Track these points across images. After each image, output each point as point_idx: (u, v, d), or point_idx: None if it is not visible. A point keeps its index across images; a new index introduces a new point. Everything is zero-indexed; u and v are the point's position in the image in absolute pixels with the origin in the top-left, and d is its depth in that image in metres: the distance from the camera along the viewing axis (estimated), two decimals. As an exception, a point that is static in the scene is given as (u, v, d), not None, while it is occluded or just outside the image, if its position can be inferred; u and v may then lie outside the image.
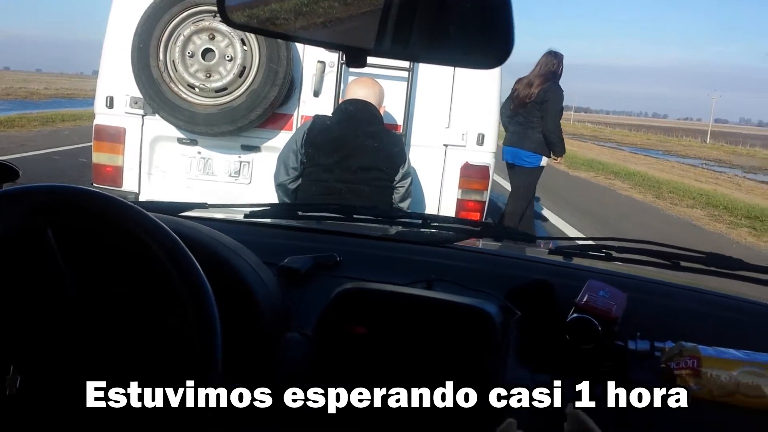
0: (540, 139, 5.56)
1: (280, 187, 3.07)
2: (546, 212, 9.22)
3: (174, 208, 1.42)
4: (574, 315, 1.05)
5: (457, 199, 3.73)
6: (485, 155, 3.73)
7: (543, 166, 5.73)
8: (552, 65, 5.54)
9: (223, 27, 3.28)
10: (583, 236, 6.38)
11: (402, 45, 0.71)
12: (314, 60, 3.61)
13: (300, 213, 1.60)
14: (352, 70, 3.57)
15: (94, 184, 3.74)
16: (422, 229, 1.54)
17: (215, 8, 3.24)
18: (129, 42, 3.35)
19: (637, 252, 1.38)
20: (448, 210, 3.72)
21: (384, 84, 3.25)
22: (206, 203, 1.60)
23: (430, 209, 3.72)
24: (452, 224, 1.53)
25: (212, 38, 3.32)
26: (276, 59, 3.31)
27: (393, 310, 0.99)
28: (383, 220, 1.62)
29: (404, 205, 3.07)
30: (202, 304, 0.80)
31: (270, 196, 3.25)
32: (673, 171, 19.27)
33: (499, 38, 0.68)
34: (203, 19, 3.31)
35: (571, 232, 7.78)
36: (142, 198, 3.72)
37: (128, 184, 3.74)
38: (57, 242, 0.84)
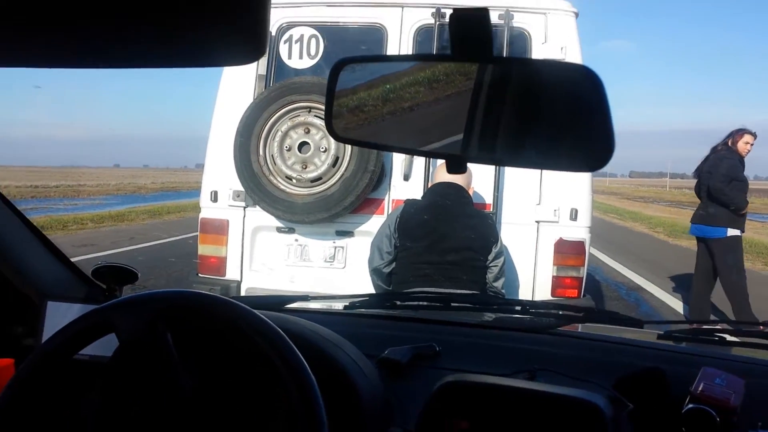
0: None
1: (374, 272, 3.12)
2: (647, 284, 8.78)
3: (277, 302, 1.48)
4: (690, 406, 1.01)
5: (553, 276, 3.64)
6: (579, 230, 3.66)
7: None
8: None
9: (318, 121, 3.48)
10: (692, 319, 6.02)
11: (489, 151, 0.74)
12: None
13: (398, 302, 1.62)
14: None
15: (200, 274, 3.94)
16: (522, 315, 1.53)
17: (310, 104, 3.46)
18: (231, 138, 3.60)
19: (752, 335, 1.31)
20: (544, 287, 3.64)
21: (472, 165, 3.30)
22: (307, 296, 1.66)
23: (525, 287, 3.65)
24: (553, 309, 1.50)
25: (307, 132, 3.52)
26: (367, 150, 3.45)
27: (496, 403, 0.98)
28: (481, 306, 1.62)
29: (498, 284, 3.04)
30: (310, 401, 0.82)
31: (363, 279, 3.31)
32: (760, 231, 17.93)
33: (599, 144, 0.68)
34: (299, 115, 3.53)
35: (675, 304, 7.35)
36: (244, 286, 3.87)
37: (231, 273, 3.91)
38: (174, 342, 0.90)
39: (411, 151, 0.81)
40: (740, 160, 5.50)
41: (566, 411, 0.95)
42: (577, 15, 3.71)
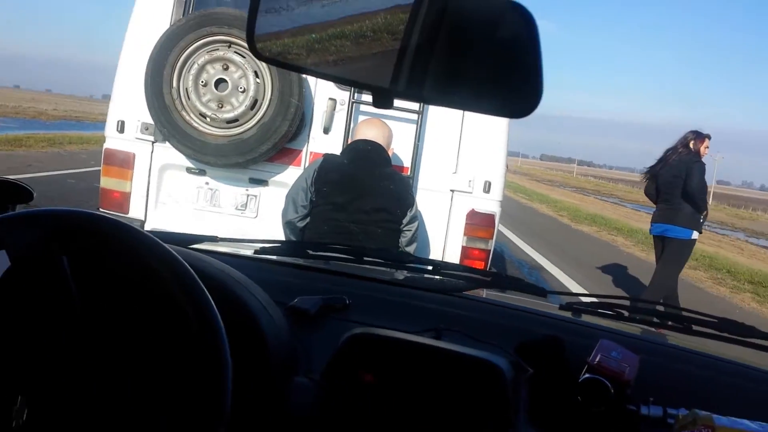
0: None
1: (288, 224, 3.05)
2: (548, 264, 9.20)
3: (185, 240, 1.41)
4: (587, 375, 1.03)
5: (462, 246, 3.70)
6: (491, 203, 3.72)
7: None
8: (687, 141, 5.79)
9: (237, 58, 3.31)
10: (594, 293, 6.36)
11: (418, 87, 0.71)
12: (325, 97, 3.64)
13: (310, 252, 1.58)
14: (362, 109, 3.60)
15: (101, 209, 3.72)
16: (432, 276, 1.52)
17: (230, 38, 3.29)
18: (143, 67, 3.37)
19: (649, 313, 1.36)
20: (453, 256, 3.69)
21: (393, 125, 3.27)
22: (217, 236, 1.59)
23: (435, 255, 3.69)
24: (462, 272, 1.51)
25: (226, 69, 3.34)
26: (288, 93, 3.34)
27: (402, 359, 0.97)
28: (394, 264, 1.61)
29: (410, 249, 3.05)
30: (215, 341, 0.77)
31: (276, 231, 3.24)
32: None
33: (527, 87, 0.67)
34: (218, 49, 3.33)
35: (572, 285, 7.73)
36: (147, 226, 3.70)
37: (135, 211, 3.72)
38: (70, 265, 0.82)
39: (336, 79, 0.76)
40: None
41: (469, 370, 0.94)
42: None
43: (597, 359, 1.05)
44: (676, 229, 5.78)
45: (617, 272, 9.47)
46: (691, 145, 5.78)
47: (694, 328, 1.34)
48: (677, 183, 5.70)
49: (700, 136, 5.80)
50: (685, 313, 1.36)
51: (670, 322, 1.35)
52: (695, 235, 5.80)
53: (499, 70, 0.69)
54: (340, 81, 0.79)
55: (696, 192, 5.65)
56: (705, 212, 5.84)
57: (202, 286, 0.80)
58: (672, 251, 5.87)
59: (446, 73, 0.71)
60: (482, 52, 0.70)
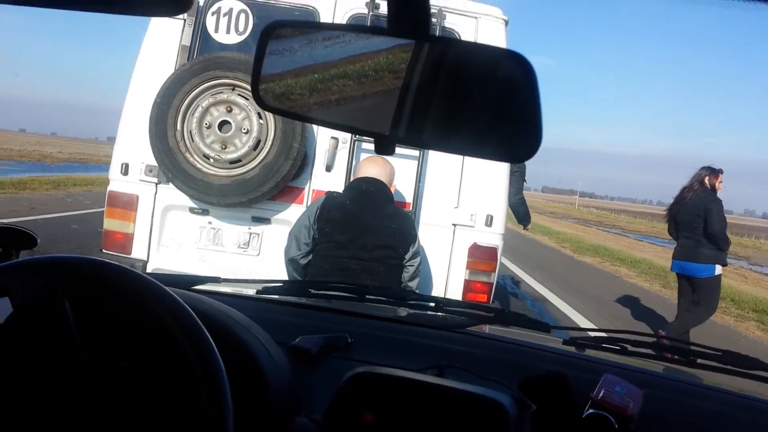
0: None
1: (291, 262, 3.06)
2: (551, 296, 9.15)
3: (186, 282, 1.42)
4: (590, 411, 1.02)
5: (465, 280, 3.69)
6: (493, 236, 3.73)
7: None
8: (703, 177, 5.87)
9: (241, 100, 3.37)
10: (597, 328, 6.33)
11: (417, 133, 0.72)
12: (327, 136, 3.68)
13: (312, 291, 1.59)
14: (363, 147, 3.64)
15: (104, 250, 3.74)
16: (434, 313, 1.52)
17: (234, 81, 3.35)
18: (148, 110, 3.42)
19: (653, 347, 1.35)
20: (456, 290, 3.69)
21: (395, 162, 3.30)
22: (219, 278, 1.59)
23: (438, 289, 3.69)
24: (465, 309, 1.51)
25: (230, 111, 3.39)
26: (291, 134, 3.38)
27: (404, 397, 0.97)
28: (396, 301, 1.61)
29: (413, 284, 3.05)
30: (216, 384, 0.78)
31: (278, 269, 3.24)
32: None
33: (527, 133, 0.68)
34: (222, 92, 3.40)
35: (577, 318, 7.68)
36: (150, 266, 3.71)
37: (137, 252, 3.73)
38: (73, 311, 0.83)
39: (337, 126, 0.77)
40: None
41: (472, 408, 0.94)
42: (507, 23, 3.78)
43: (601, 394, 1.05)
44: (698, 267, 5.84)
45: (621, 303, 9.41)
46: (706, 182, 5.86)
47: (699, 361, 1.34)
48: (696, 222, 5.78)
49: (713, 172, 5.89)
50: (689, 347, 1.36)
51: (674, 356, 1.34)
52: (719, 270, 5.86)
53: (498, 117, 0.70)
54: (342, 129, 0.81)
55: (718, 232, 5.75)
56: (728, 246, 5.93)
57: (203, 328, 0.81)
58: (702, 293, 5.92)
59: (446, 120, 0.72)
60: (481, 98, 0.71)
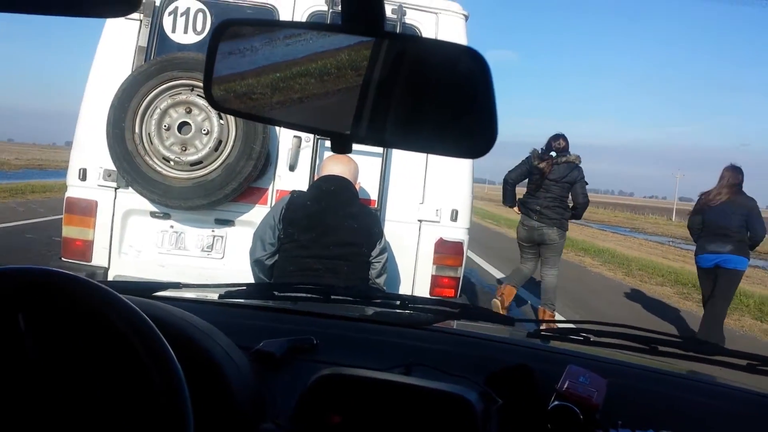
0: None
1: (256, 263, 3.03)
2: (524, 292, 9.23)
3: (147, 288, 1.39)
4: (555, 403, 1.03)
5: (432, 275, 3.71)
6: (459, 231, 3.75)
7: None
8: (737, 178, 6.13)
9: (200, 101, 3.31)
10: (562, 319, 6.42)
11: (379, 132, 0.72)
12: (290, 135, 3.65)
13: (276, 293, 1.57)
14: (327, 145, 3.62)
15: (63, 258, 3.65)
16: (400, 310, 1.52)
17: (192, 82, 3.29)
18: (105, 114, 3.34)
19: (615, 336, 1.37)
20: (423, 286, 3.70)
21: (359, 159, 3.30)
22: (179, 283, 1.57)
23: (405, 285, 3.69)
24: (431, 305, 1.51)
25: (189, 112, 3.33)
26: (252, 134, 3.34)
27: (371, 397, 0.96)
28: (361, 300, 1.60)
29: (380, 280, 3.05)
30: (175, 392, 0.76)
31: (243, 271, 3.20)
32: (642, 248, 19.61)
33: (483, 130, 0.68)
34: (180, 93, 3.33)
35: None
36: (111, 273, 3.63)
37: (98, 259, 3.65)
38: (27, 324, 0.80)
39: (296, 126, 0.76)
40: None
41: (439, 405, 0.94)
42: (467, 18, 3.80)
43: (565, 386, 1.06)
44: (735, 259, 6.04)
45: (586, 291, 9.56)
46: (735, 181, 6.11)
47: (660, 348, 1.36)
48: (736, 220, 5.99)
49: (737, 170, 6.17)
50: (650, 335, 1.38)
51: (636, 344, 1.37)
52: (747, 264, 6.18)
53: (456, 113, 0.70)
54: (301, 129, 0.80)
55: (762, 234, 6.05)
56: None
57: (162, 337, 0.79)
58: (726, 284, 6.13)
59: (406, 117, 0.71)
60: (440, 94, 0.71)
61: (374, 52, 0.71)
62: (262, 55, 0.74)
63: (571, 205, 6.46)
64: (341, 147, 0.71)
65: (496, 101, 0.68)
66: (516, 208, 6.77)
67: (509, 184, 6.72)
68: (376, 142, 0.76)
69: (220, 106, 0.75)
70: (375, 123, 0.71)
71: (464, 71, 0.69)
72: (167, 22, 3.61)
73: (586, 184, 6.38)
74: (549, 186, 6.28)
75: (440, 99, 0.70)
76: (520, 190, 6.81)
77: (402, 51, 0.70)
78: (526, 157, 6.50)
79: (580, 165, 6.30)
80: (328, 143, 3.60)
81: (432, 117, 0.71)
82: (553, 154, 6.31)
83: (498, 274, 10.35)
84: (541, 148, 6.40)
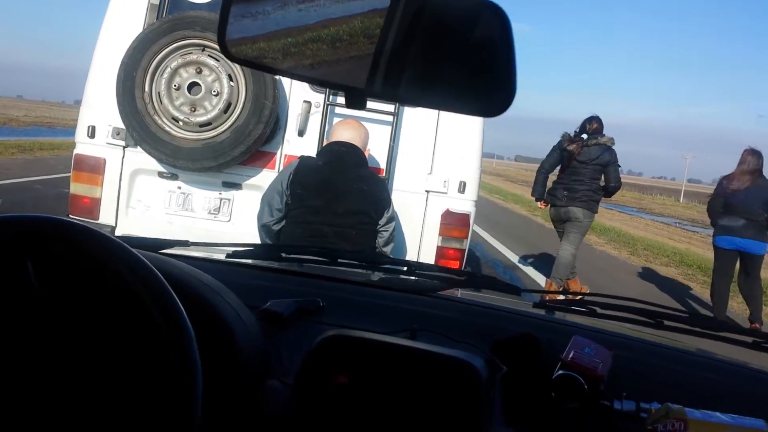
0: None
1: (263, 228, 3.03)
2: (522, 262, 9.25)
3: (155, 245, 1.39)
4: (560, 372, 1.03)
5: (437, 246, 3.71)
6: (466, 203, 3.74)
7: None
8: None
9: (211, 61, 3.28)
10: (566, 290, 6.44)
11: (394, 87, 0.70)
12: (300, 99, 3.62)
13: (283, 255, 1.57)
14: (337, 111, 3.59)
15: (70, 215, 3.65)
16: (407, 276, 1.52)
17: (204, 42, 3.26)
18: (115, 72, 3.32)
19: (621, 309, 1.37)
20: (428, 256, 3.70)
21: (368, 127, 3.27)
22: (188, 241, 1.57)
23: (410, 255, 3.69)
24: (437, 272, 1.51)
25: (199, 72, 3.30)
26: (263, 96, 3.31)
27: (376, 360, 0.96)
28: (368, 265, 1.60)
29: (387, 249, 3.05)
30: (184, 347, 0.76)
31: (250, 235, 3.21)
32: (648, 228, 19.54)
33: (502, 86, 0.67)
34: (191, 53, 3.30)
35: (545, 283, 7.79)
36: (118, 231, 3.64)
37: (105, 217, 3.66)
38: (35, 272, 0.80)
39: (309, 79, 0.75)
40: None
41: (444, 369, 0.94)
42: None
43: (570, 355, 1.05)
44: (759, 245, 6.25)
45: (590, 268, 9.57)
46: (758, 166, 6.22)
47: (666, 323, 1.36)
48: (758, 204, 6.12)
49: (758, 154, 6.27)
50: (657, 309, 1.38)
51: (642, 318, 1.36)
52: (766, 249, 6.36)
53: (473, 70, 0.69)
54: (315, 82, 0.79)
55: None
56: None
57: (171, 290, 0.79)
58: (756, 267, 6.40)
59: (422, 73, 0.70)
60: (458, 51, 0.69)
61: (392, 7, 0.69)
62: (278, 5, 0.73)
63: (602, 185, 6.44)
64: (355, 101, 0.70)
65: (516, 59, 0.66)
66: (541, 203, 6.82)
67: (541, 173, 6.75)
68: (391, 97, 0.74)
69: (233, 56, 0.73)
70: (390, 78, 0.70)
71: (483, 27, 0.68)
72: None
73: (619, 167, 6.35)
74: (577, 167, 6.26)
75: (458, 54, 0.69)
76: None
77: (421, 4, 0.68)
78: (558, 142, 6.47)
79: (613, 147, 6.25)
80: (338, 109, 3.58)
81: (449, 73, 0.69)
82: (584, 136, 6.26)
83: (504, 250, 10.36)
84: (575, 131, 6.37)
